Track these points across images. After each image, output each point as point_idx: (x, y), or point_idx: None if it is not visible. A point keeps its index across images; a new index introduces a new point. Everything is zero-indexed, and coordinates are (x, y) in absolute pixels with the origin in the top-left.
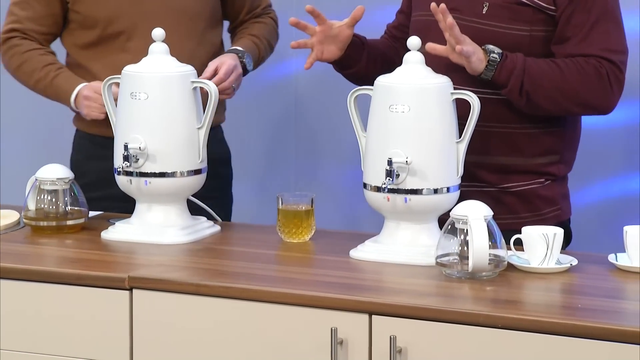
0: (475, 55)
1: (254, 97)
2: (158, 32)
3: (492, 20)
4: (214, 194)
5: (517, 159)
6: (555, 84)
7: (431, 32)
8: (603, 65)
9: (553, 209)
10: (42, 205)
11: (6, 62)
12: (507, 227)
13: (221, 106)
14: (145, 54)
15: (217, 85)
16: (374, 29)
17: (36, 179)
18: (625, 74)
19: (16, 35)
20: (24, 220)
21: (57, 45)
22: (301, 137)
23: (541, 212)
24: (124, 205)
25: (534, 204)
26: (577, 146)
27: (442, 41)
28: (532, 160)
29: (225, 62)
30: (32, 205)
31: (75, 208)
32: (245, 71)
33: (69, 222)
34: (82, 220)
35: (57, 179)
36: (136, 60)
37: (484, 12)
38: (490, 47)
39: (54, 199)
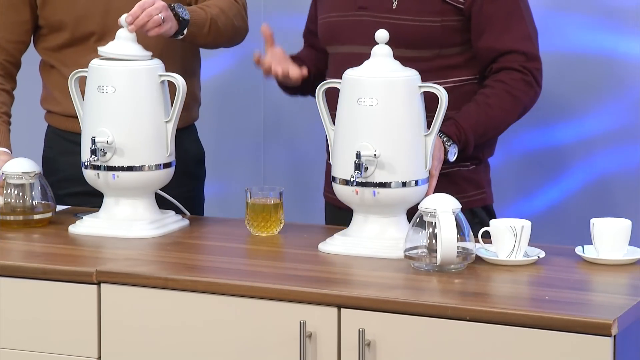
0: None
1: (223, 96)
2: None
3: (402, 14)
4: (187, 193)
5: None
6: (501, 129)
7: (343, 32)
8: (528, 70)
9: (479, 192)
10: (9, 200)
11: None
12: None
13: (195, 102)
14: None
15: (131, 22)
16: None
17: (2, 173)
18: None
19: None
20: None
21: (31, 49)
22: (269, 131)
23: (467, 194)
24: (98, 201)
25: (459, 185)
26: None
27: (353, 39)
28: None
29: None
30: None
31: (43, 202)
32: (180, 21)
33: (36, 217)
34: (49, 215)
35: (23, 172)
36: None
37: (394, 7)
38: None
39: (20, 193)
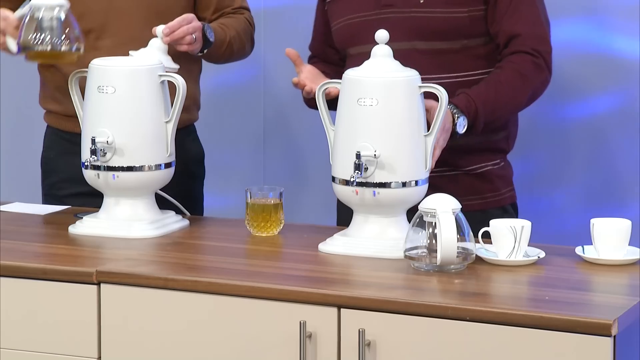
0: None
1: (224, 98)
2: None
3: (430, 7)
4: (186, 193)
5: (477, 137)
6: (510, 108)
7: (368, 32)
8: (538, 52)
9: (509, 189)
10: (36, 33)
11: None
12: (472, 208)
13: (194, 105)
14: (117, 52)
15: (167, 34)
16: None
17: (30, 7)
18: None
19: None
20: (21, 44)
21: None
22: (269, 131)
23: (500, 192)
24: (98, 201)
25: (493, 183)
26: (517, 120)
27: (373, 38)
28: (489, 137)
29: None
30: (27, 34)
31: (71, 38)
32: (206, 41)
33: (64, 48)
34: (78, 49)
35: (57, 5)
36: None
37: (421, 1)
38: (455, 114)
39: (48, 25)
